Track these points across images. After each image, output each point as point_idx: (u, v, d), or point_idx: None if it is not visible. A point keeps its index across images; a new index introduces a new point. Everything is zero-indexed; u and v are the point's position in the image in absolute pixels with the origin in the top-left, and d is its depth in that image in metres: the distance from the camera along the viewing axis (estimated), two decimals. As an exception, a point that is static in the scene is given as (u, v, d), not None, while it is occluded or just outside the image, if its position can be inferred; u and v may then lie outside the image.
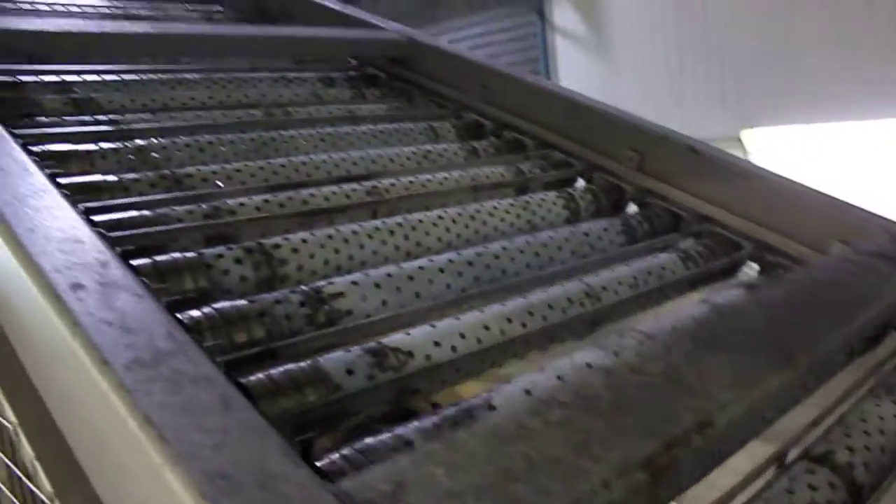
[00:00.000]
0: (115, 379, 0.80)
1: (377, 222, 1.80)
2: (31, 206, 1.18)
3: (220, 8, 3.72)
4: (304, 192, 1.88)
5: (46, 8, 3.19)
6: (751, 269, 2.09)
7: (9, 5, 3.13)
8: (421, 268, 1.62)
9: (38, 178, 1.31)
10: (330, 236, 1.68)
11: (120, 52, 2.54)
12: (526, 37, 9.08)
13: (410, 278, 1.58)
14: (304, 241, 1.63)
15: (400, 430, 1.12)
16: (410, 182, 2.10)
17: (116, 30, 2.51)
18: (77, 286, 0.96)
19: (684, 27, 8.27)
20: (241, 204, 1.75)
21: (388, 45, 2.99)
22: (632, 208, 2.29)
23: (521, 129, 2.61)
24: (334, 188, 1.95)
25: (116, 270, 1.04)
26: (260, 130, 2.25)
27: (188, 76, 2.55)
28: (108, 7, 3.40)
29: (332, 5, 3.37)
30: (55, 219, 1.15)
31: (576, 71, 9.30)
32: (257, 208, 1.76)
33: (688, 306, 1.70)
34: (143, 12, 3.40)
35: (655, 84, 8.76)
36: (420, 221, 1.86)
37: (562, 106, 2.56)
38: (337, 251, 1.66)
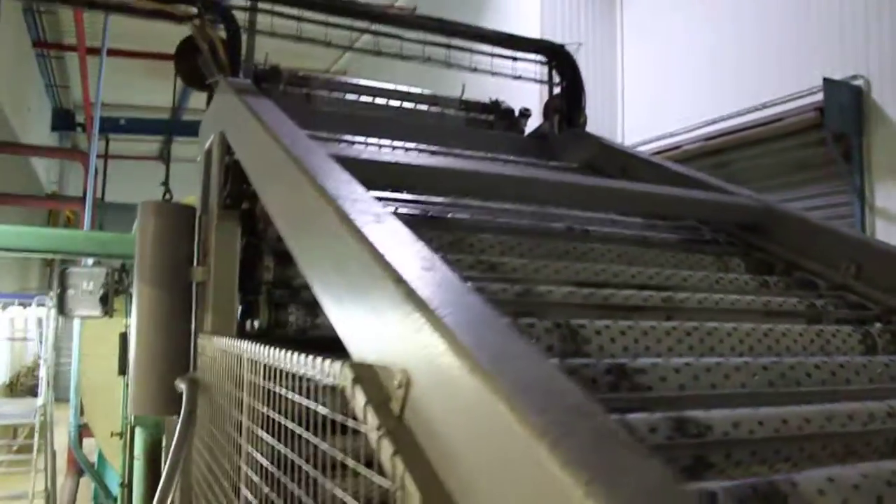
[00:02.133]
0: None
1: (673, 323, 1.88)
2: (508, 353, 1.03)
3: (557, 164, 3.91)
4: (605, 291, 2.01)
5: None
6: None
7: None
8: (718, 363, 1.67)
9: (502, 319, 1.16)
10: (630, 327, 1.78)
11: (496, 192, 2.66)
12: (841, 217, 8.44)
13: (707, 370, 1.63)
14: (606, 326, 1.74)
15: (704, 483, 1.17)
16: (704, 298, 2.16)
17: (496, 171, 2.72)
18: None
19: None
20: (549, 291, 1.90)
21: (740, 210, 2.91)
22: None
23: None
24: (632, 292, 2.06)
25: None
26: (562, 241, 2.44)
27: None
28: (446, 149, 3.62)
29: (673, 167, 3.40)
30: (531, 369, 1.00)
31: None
32: (563, 296, 1.91)
33: None
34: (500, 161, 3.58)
35: None
36: (715, 329, 1.91)
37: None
38: (636, 341, 1.75)
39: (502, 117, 4.66)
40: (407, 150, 3.47)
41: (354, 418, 1.24)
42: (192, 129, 20.66)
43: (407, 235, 1.47)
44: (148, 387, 3.71)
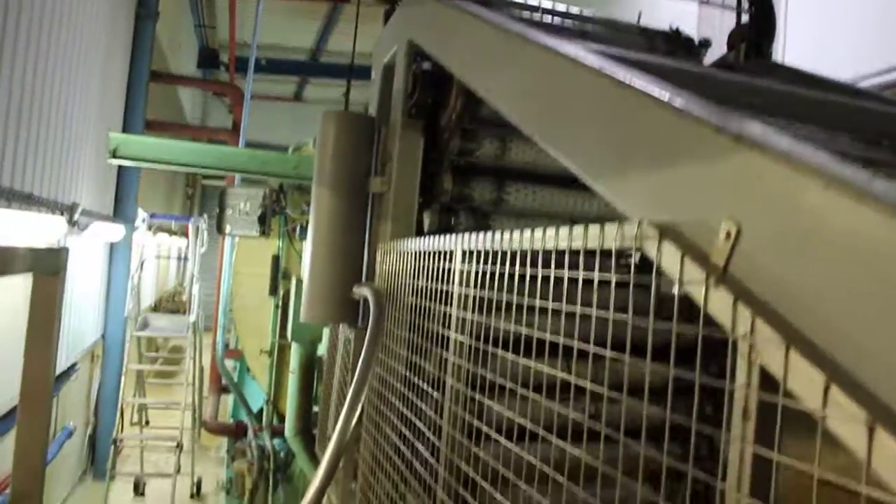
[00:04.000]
0: None
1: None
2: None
3: None
4: None
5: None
6: None
7: None
8: None
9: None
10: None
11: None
12: None
13: None
14: None
15: None
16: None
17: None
18: None
19: None
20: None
21: None
22: None
23: None
24: None
25: None
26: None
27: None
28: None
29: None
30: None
31: None
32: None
33: None
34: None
35: None
36: None
37: None
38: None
39: (682, 46, 4.44)
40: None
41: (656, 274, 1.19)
42: (330, 71, 20.99)
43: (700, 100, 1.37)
44: (322, 294, 3.75)
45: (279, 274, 7.80)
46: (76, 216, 7.84)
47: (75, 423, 10.05)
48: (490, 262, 1.95)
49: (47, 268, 3.35)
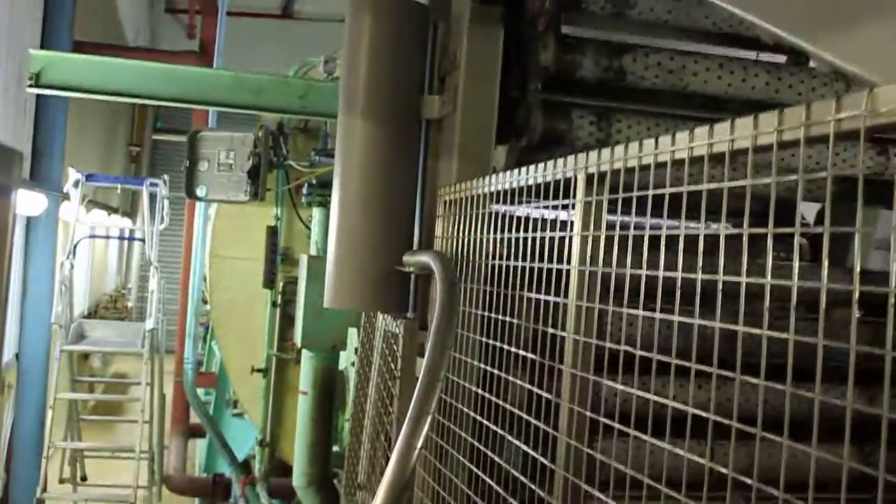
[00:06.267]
0: None
1: None
2: None
3: None
4: None
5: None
6: None
7: None
8: None
9: None
10: None
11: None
12: None
13: None
14: None
15: None
16: None
17: None
18: None
19: None
20: None
21: None
22: None
23: None
24: None
25: None
26: None
27: None
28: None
29: None
30: None
31: None
32: None
33: None
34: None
35: None
36: None
37: None
38: None
39: None
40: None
41: None
42: (333, -30, 20.93)
43: None
44: (355, 270, 3.73)
45: (278, 256, 7.78)
46: (-18, 177, 7.93)
47: (-19, 480, 10.20)
48: (635, 185, 1.92)
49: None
